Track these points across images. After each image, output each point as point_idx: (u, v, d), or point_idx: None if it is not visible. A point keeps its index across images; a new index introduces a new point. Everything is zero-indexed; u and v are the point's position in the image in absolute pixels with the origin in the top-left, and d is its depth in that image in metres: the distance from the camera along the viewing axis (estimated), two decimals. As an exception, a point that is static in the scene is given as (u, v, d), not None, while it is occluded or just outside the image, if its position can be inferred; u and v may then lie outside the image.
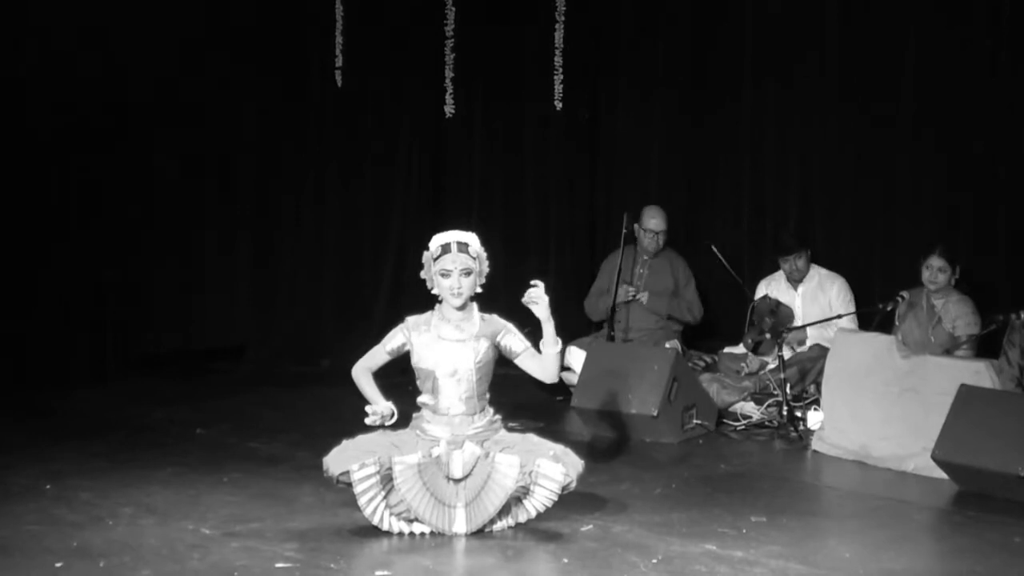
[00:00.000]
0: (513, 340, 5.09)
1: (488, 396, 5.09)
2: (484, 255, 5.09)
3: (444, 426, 5.00)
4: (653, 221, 7.98)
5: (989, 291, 7.31)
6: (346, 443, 4.94)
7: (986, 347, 6.80)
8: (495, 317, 5.13)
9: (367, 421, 4.94)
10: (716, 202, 8.76)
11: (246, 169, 8.92)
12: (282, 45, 8.82)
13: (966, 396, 5.73)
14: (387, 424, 4.97)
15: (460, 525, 4.89)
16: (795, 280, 7.70)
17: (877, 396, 6.25)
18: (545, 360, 5.03)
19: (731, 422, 7.05)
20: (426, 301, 5.18)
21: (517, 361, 5.11)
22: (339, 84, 8.89)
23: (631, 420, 6.66)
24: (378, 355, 5.12)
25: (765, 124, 8.44)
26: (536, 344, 5.06)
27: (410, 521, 4.89)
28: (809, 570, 4.56)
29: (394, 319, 5.24)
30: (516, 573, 4.63)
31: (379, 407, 4.96)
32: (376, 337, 5.19)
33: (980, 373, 5.92)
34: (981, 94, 7.50)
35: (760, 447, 6.70)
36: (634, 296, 7.91)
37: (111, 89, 8.12)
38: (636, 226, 7.96)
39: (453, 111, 9.00)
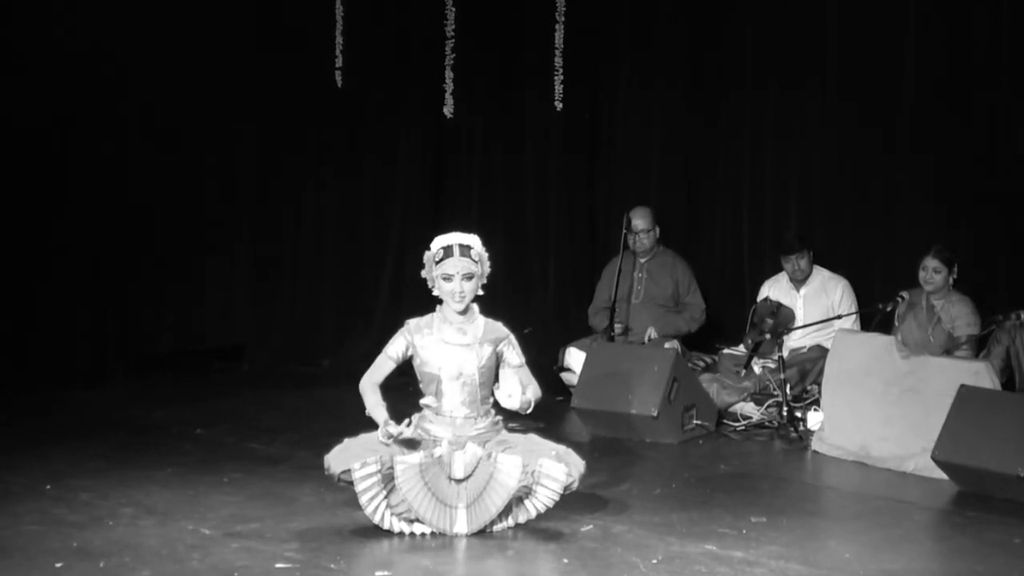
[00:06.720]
0: (511, 353, 5.09)
1: (491, 399, 5.08)
2: (486, 257, 5.08)
3: (447, 427, 4.99)
4: (637, 221, 7.97)
5: (989, 291, 7.32)
6: (348, 441, 4.93)
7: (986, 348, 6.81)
8: (500, 325, 5.13)
9: (380, 438, 4.86)
10: (716, 202, 8.76)
11: (246, 168, 8.91)
12: (282, 44, 8.82)
13: (966, 396, 5.73)
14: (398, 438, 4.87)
15: (461, 525, 4.88)
16: (797, 281, 7.71)
17: (877, 396, 6.25)
18: (502, 401, 4.96)
19: (731, 422, 7.05)
20: (427, 301, 5.17)
21: (500, 371, 5.06)
22: (339, 84, 8.89)
23: (631, 420, 6.65)
24: (383, 364, 5.08)
25: (765, 124, 8.45)
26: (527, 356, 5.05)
27: (411, 521, 4.89)
28: (809, 570, 4.56)
29: (394, 319, 5.22)
30: (516, 573, 4.63)
31: (393, 429, 4.84)
32: (376, 337, 5.17)
33: (980, 373, 5.92)
34: (981, 94, 7.51)
35: (760, 447, 6.70)
36: (647, 339, 7.86)
37: (110, 88, 8.11)
38: (626, 232, 7.92)
39: (453, 111, 9.00)
